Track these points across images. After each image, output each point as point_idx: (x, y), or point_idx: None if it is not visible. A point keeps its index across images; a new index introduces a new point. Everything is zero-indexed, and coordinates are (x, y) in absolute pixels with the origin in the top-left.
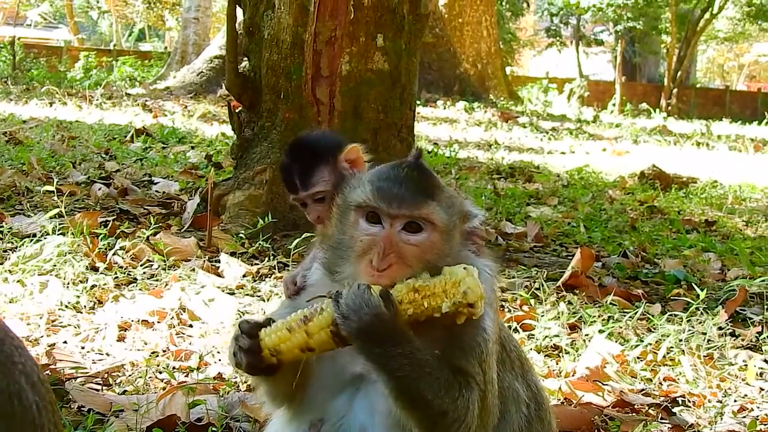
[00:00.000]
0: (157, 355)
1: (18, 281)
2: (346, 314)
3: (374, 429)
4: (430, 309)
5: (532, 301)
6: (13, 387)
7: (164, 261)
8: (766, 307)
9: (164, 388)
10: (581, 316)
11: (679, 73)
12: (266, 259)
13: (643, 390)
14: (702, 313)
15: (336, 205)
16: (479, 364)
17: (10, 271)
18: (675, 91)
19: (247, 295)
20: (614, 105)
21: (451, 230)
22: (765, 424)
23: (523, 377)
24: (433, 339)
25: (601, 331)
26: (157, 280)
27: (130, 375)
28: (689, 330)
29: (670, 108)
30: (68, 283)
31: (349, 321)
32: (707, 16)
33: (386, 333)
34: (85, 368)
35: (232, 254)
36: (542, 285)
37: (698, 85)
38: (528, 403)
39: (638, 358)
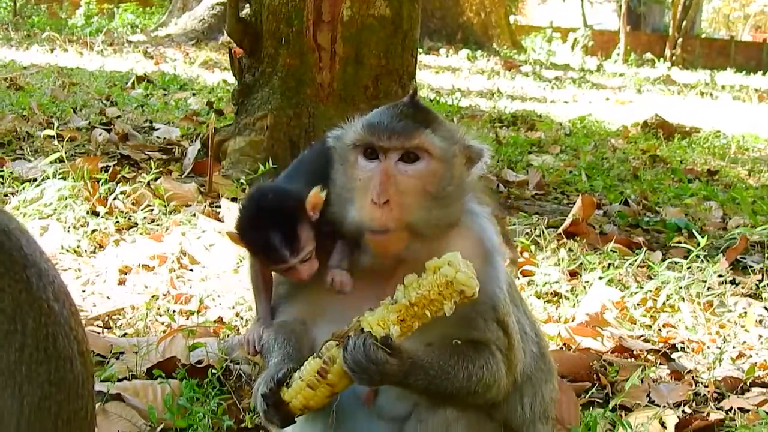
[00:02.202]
0: (158, 299)
1: None
2: (355, 370)
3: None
4: (433, 314)
5: (533, 248)
6: (68, 352)
7: (165, 206)
8: (766, 255)
9: (164, 331)
10: (581, 263)
11: (684, 23)
12: None
13: (642, 336)
14: (702, 261)
15: (335, 152)
16: (497, 321)
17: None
18: (680, 40)
19: None
20: (618, 54)
21: (451, 159)
22: (763, 371)
23: (527, 314)
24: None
25: (601, 278)
26: (157, 225)
27: (130, 318)
28: (689, 277)
29: (674, 58)
30: (69, 227)
31: (359, 376)
32: None
33: (397, 376)
34: (86, 311)
35: (233, 199)
36: (543, 232)
37: (703, 35)
38: (535, 340)
39: (638, 304)
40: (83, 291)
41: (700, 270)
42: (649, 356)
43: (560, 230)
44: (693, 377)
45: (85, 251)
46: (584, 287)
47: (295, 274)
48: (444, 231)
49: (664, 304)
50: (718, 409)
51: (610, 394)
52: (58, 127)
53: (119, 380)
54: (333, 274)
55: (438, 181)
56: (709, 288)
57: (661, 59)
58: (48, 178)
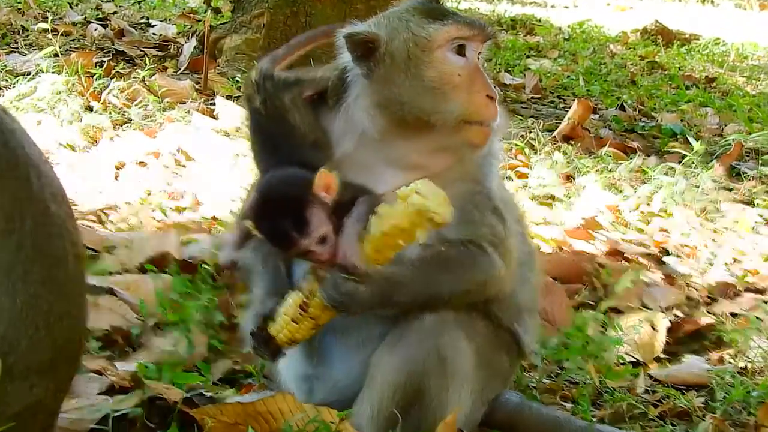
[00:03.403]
0: (151, 194)
1: None
2: (333, 304)
3: None
4: (407, 242)
5: (528, 151)
6: (63, 253)
7: (159, 102)
8: (761, 162)
9: (158, 227)
10: (577, 167)
11: None
12: None
13: (635, 240)
14: (697, 167)
15: (403, 54)
16: (492, 210)
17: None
18: None
19: (242, 137)
20: None
21: None
22: (756, 276)
23: (512, 206)
24: None
25: (595, 182)
26: (152, 121)
27: (124, 213)
28: (684, 183)
29: None
30: (63, 122)
31: (340, 308)
32: None
33: (375, 299)
34: (79, 205)
35: (228, 97)
36: (538, 135)
37: None
38: (519, 230)
39: (632, 209)
40: (77, 186)
41: (695, 175)
42: (641, 260)
43: (555, 134)
44: (685, 282)
45: (80, 146)
46: (578, 191)
47: (315, 257)
48: None
49: (658, 208)
50: (709, 313)
51: (602, 297)
52: (53, 21)
53: (111, 274)
54: (346, 243)
55: None
56: (703, 193)
57: None
58: (42, 72)
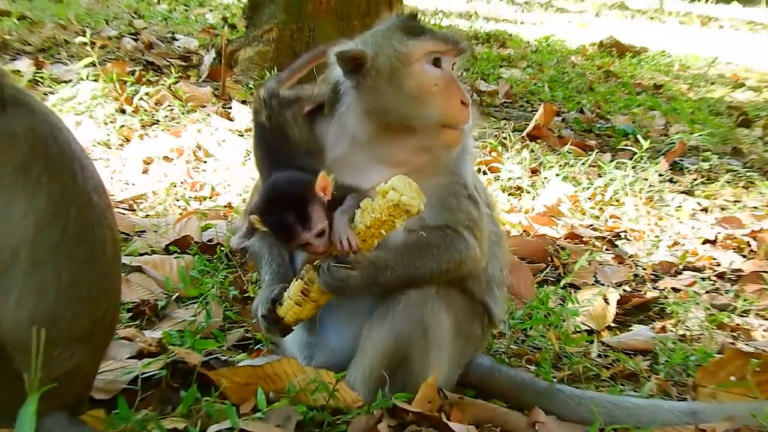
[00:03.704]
0: (175, 186)
1: None
2: (330, 289)
3: None
4: (387, 231)
5: (500, 148)
6: (102, 238)
7: (183, 106)
8: (700, 157)
9: (181, 214)
10: (542, 162)
11: None
12: None
13: (591, 225)
14: (645, 162)
15: (386, 68)
16: (468, 197)
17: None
18: None
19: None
20: None
21: None
22: (694, 257)
23: (492, 218)
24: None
25: (557, 175)
26: (176, 122)
27: (152, 202)
28: (634, 176)
29: None
30: (100, 123)
31: (335, 291)
32: None
33: (366, 282)
34: (113, 195)
35: (242, 102)
36: (509, 135)
37: None
38: (488, 212)
39: (589, 198)
40: (111, 178)
41: (643, 169)
42: (596, 242)
43: (524, 133)
44: (633, 261)
45: (114, 144)
46: (543, 183)
47: (312, 249)
48: None
49: (611, 198)
50: (654, 288)
51: (562, 274)
52: (91, 35)
53: (141, 255)
54: (340, 231)
55: None
56: (650, 185)
57: None
58: (82, 79)
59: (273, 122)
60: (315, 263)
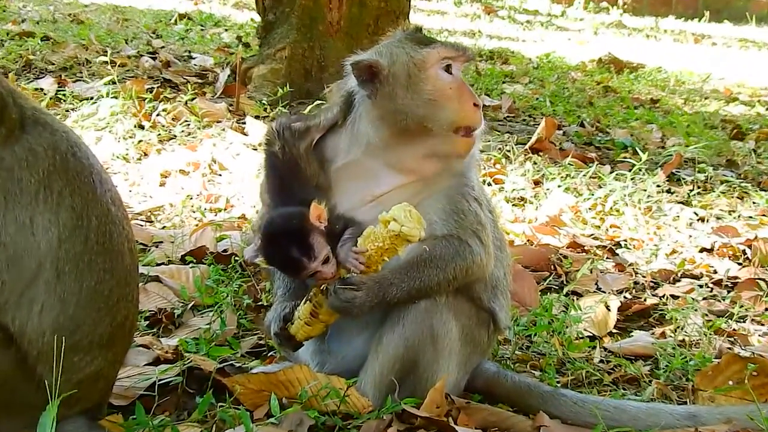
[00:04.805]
0: (192, 198)
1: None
2: (338, 310)
3: None
4: (390, 257)
5: (504, 161)
6: (121, 248)
7: (199, 121)
8: (696, 169)
9: (197, 225)
10: (544, 174)
11: None
12: None
13: (592, 234)
14: (644, 174)
15: (404, 74)
16: (475, 199)
17: (71, 128)
18: None
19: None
20: (579, 2)
21: None
22: (692, 264)
23: (494, 223)
24: (437, 205)
25: (559, 186)
26: (193, 137)
27: (168, 214)
28: (633, 187)
29: (625, 5)
30: (119, 138)
31: (343, 312)
32: None
33: (372, 301)
34: (132, 207)
35: (256, 117)
36: (512, 148)
37: None
38: (490, 218)
39: (589, 208)
40: (130, 191)
41: (642, 181)
42: (597, 251)
43: (527, 146)
44: (633, 269)
45: (132, 158)
46: (545, 194)
47: (321, 276)
48: None
49: (611, 208)
50: (653, 295)
51: (565, 282)
52: (111, 54)
53: (158, 265)
54: (346, 256)
55: None
56: (648, 196)
57: (615, 6)
58: (102, 97)
59: (285, 153)
60: (322, 287)
